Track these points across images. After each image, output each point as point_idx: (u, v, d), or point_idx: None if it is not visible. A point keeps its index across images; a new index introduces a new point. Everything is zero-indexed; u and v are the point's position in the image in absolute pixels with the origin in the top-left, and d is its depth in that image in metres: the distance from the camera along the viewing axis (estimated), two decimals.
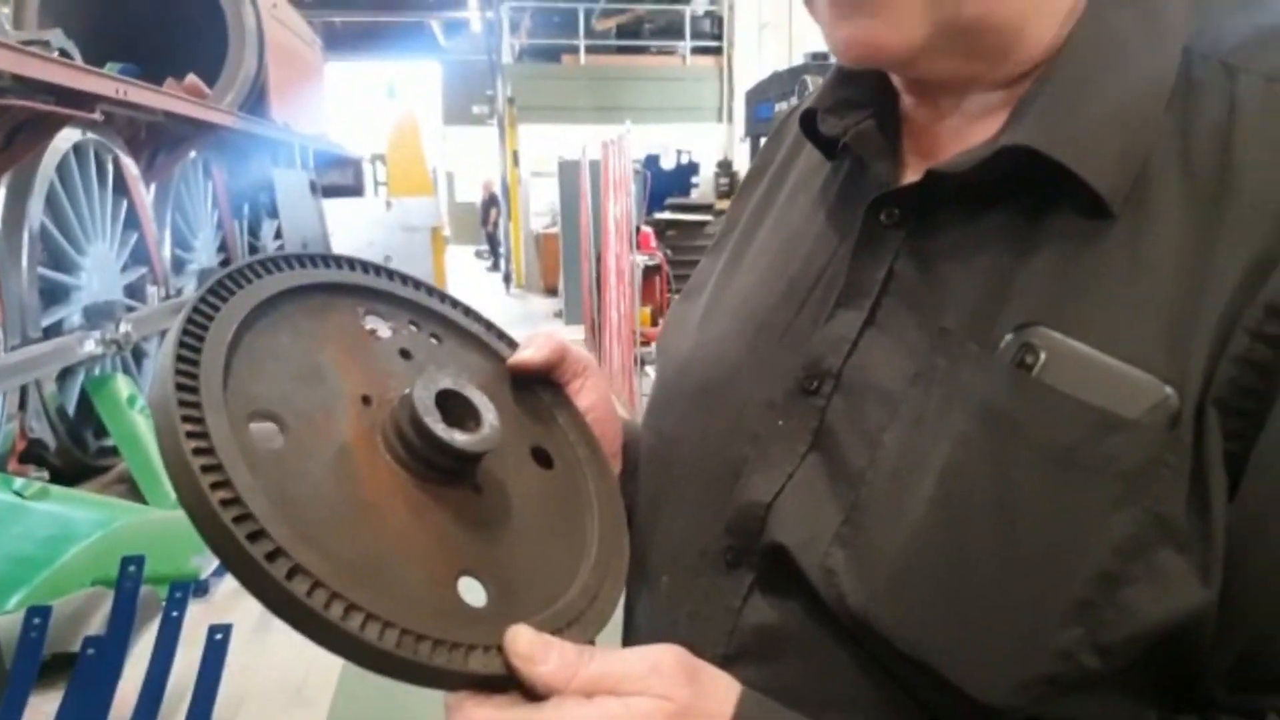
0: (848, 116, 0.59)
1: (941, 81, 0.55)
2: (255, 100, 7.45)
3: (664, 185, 10.41)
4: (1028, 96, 0.51)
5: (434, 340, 0.58)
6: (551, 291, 12.93)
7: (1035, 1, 0.51)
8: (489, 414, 0.51)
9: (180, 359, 0.43)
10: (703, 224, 9.64)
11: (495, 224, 17.43)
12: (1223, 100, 0.48)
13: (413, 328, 0.57)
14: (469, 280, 15.89)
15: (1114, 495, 0.45)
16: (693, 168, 12.27)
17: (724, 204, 11.67)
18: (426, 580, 0.45)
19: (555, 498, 0.56)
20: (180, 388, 0.42)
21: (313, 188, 7.83)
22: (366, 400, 0.50)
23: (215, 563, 3.44)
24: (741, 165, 12.51)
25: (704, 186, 12.43)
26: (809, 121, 0.62)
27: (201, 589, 3.16)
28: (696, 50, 14.66)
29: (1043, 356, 0.47)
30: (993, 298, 0.50)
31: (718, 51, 14.65)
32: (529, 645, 0.45)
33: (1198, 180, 0.47)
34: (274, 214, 7.80)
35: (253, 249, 7.63)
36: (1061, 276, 0.48)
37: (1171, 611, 0.45)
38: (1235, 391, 0.45)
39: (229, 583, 3.35)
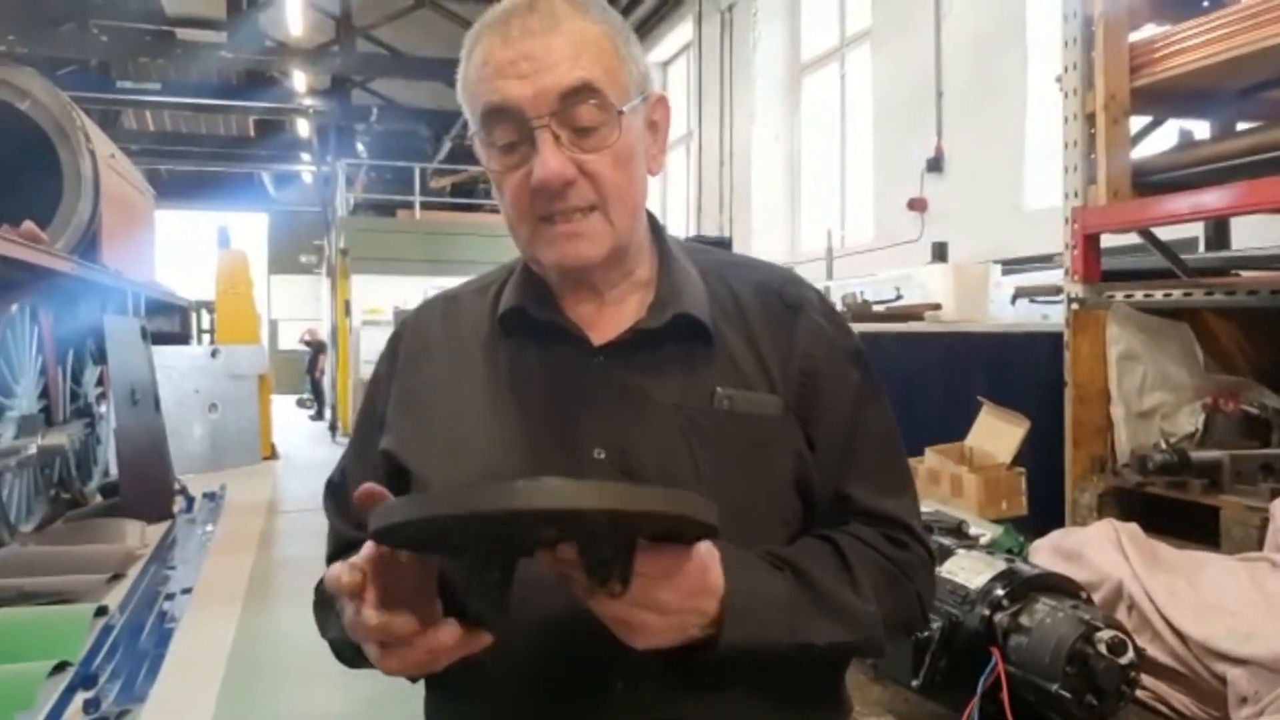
0: (542, 309, 1.04)
1: (597, 282, 1.03)
2: (87, 246, 7.36)
3: None
4: (659, 297, 1.03)
5: None
6: None
7: (638, 244, 1.04)
8: None
9: None
10: None
11: (323, 371, 17.13)
12: (729, 292, 1.06)
13: None
14: (295, 429, 15.50)
15: (779, 450, 1.00)
16: None
17: None
18: None
19: None
20: None
21: (144, 334, 7.69)
22: None
23: None
24: None
25: None
26: (512, 311, 1.05)
27: None
28: None
29: (731, 401, 1.00)
30: (688, 382, 1.00)
31: None
32: None
33: (735, 328, 1.04)
34: (99, 360, 7.56)
35: (74, 396, 7.36)
36: (716, 367, 1.01)
37: (815, 493, 1.02)
38: (797, 401, 1.02)
39: None
